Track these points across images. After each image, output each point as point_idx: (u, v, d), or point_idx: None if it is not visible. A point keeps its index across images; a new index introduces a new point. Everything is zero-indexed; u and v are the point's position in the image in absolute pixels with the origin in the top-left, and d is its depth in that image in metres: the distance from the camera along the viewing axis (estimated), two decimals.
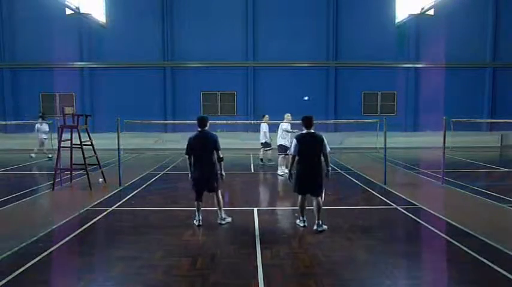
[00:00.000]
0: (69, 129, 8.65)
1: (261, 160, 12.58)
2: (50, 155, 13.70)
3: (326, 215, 6.54)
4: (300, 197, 5.83)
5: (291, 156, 5.77)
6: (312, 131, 5.72)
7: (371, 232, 5.60)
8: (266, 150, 12.09)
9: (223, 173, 5.99)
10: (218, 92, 19.38)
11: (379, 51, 19.01)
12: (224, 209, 6.13)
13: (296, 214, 6.12)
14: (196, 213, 5.99)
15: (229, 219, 6.08)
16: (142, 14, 18.94)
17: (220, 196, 6.00)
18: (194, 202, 6.01)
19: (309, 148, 5.60)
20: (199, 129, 5.91)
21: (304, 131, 5.74)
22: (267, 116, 11.93)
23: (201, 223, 5.91)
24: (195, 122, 5.99)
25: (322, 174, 5.67)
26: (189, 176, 5.97)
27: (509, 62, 19.32)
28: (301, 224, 5.85)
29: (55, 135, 9.27)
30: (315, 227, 5.59)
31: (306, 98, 18.87)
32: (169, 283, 3.97)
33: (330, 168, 5.75)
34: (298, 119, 11.02)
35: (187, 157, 5.94)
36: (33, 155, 13.82)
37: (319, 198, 5.62)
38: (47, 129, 13.69)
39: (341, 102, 19.38)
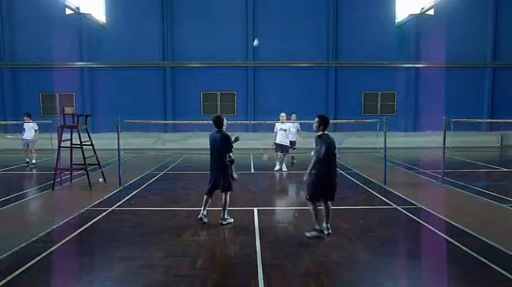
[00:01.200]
0: (69, 129, 8.65)
1: (292, 157, 12.66)
2: (28, 160, 12.55)
3: None
4: (312, 205, 5.42)
5: (316, 158, 5.27)
6: (327, 132, 5.49)
7: (371, 232, 5.60)
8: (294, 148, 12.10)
9: (235, 175, 6.05)
10: (218, 92, 19.37)
11: (379, 51, 18.99)
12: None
13: (296, 214, 6.10)
14: (202, 207, 6.03)
15: (231, 220, 6.08)
16: (142, 14, 18.94)
17: (228, 197, 6.02)
18: (204, 196, 6.06)
19: (331, 150, 5.36)
20: (216, 130, 5.98)
21: (326, 132, 5.42)
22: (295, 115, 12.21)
23: (204, 219, 5.93)
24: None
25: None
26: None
27: (509, 62, 19.31)
28: (326, 232, 5.38)
29: (55, 135, 9.25)
30: (326, 232, 5.38)
31: (256, 43, 17.46)
32: (169, 283, 3.97)
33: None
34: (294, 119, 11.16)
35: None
36: (33, 161, 12.74)
37: (329, 202, 5.43)
38: (32, 131, 12.49)
39: (341, 102, 19.36)
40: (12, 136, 12.75)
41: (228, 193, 6.01)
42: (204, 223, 5.93)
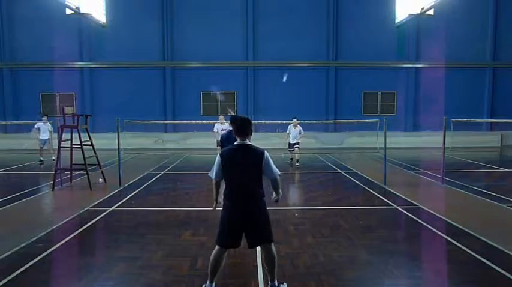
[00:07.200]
0: (69, 129, 8.65)
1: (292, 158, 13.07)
2: (42, 158, 13.10)
3: (326, 215, 6.55)
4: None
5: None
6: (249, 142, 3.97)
7: (371, 232, 5.60)
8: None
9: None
10: (218, 92, 19.38)
11: (379, 51, 19.00)
12: None
13: (296, 214, 6.09)
14: None
15: None
16: (142, 14, 18.94)
17: None
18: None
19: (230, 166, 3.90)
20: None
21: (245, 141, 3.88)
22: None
23: None
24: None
25: None
26: None
27: (509, 62, 19.31)
28: None
29: (55, 135, 9.26)
30: None
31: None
32: (169, 283, 3.97)
33: None
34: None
35: None
36: (53, 157, 12.71)
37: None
38: (47, 132, 13.15)
39: (341, 102, 19.37)
40: (34, 134, 13.39)
41: None
42: None
